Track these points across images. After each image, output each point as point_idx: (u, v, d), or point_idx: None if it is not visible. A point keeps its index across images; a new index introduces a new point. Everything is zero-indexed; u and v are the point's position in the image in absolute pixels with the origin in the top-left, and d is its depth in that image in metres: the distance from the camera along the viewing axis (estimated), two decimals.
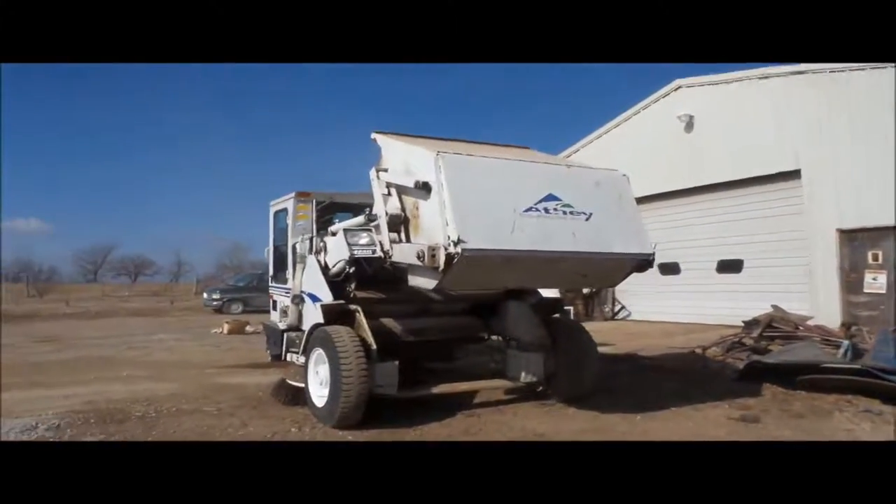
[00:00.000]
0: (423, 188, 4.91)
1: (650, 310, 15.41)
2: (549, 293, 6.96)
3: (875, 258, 10.81)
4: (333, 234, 6.34)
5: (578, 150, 17.07)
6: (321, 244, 6.53)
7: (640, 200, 5.93)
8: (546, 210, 5.02)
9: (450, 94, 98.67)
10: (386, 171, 5.55)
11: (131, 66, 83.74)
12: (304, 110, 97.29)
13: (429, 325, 6.50)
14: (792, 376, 6.69)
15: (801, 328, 8.98)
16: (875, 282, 10.75)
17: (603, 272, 5.75)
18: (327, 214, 7.43)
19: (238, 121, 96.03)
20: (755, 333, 9.00)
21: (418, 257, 4.81)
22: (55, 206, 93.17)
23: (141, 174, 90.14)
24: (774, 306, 10.03)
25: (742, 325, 9.64)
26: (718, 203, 13.77)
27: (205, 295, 25.91)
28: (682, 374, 7.88)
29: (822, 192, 11.59)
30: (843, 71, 11.15)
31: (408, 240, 5.25)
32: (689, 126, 14.10)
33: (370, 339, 5.54)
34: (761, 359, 7.62)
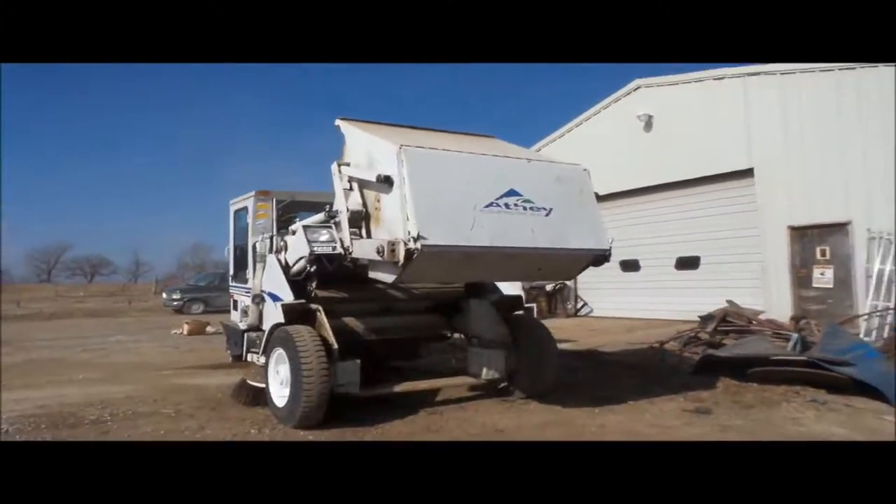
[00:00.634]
0: (385, 181, 4.90)
1: (612, 306, 15.69)
2: (510, 291, 7.04)
3: (823, 254, 11.23)
4: (294, 232, 6.29)
5: (541, 150, 17.25)
6: (282, 243, 6.46)
7: (602, 198, 6.02)
8: (507, 206, 5.07)
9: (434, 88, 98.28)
10: (348, 165, 5.54)
11: (85, 64, 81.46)
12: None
13: (391, 323, 6.50)
14: (744, 369, 6.93)
15: (753, 322, 9.28)
16: (823, 277, 11.17)
17: (559, 266, 5.86)
18: (288, 213, 7.37)
19: (201, 116, 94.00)
20: (710, 328, 9.27)
21: (378, 252, 4.81)
22: (5, 202, 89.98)
23: (99, 170, 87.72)
24: (729, 301, 10.35)
25: (698, 319, 9.92)
26: (677, 201, 14.10)
27: (164, 295, 25.37)
28: (641, 368, 8.07)
29: (775, 190, 11.98)
30: (793, 73, 11.55)
31: (368, 235, 5.25)
32: (649, 125, 14.39)
33: (331, 339, 5.52)
34: (715, 352, 7.86)
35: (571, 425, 5.41)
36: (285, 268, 6.23)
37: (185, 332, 15.02)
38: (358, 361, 5.60)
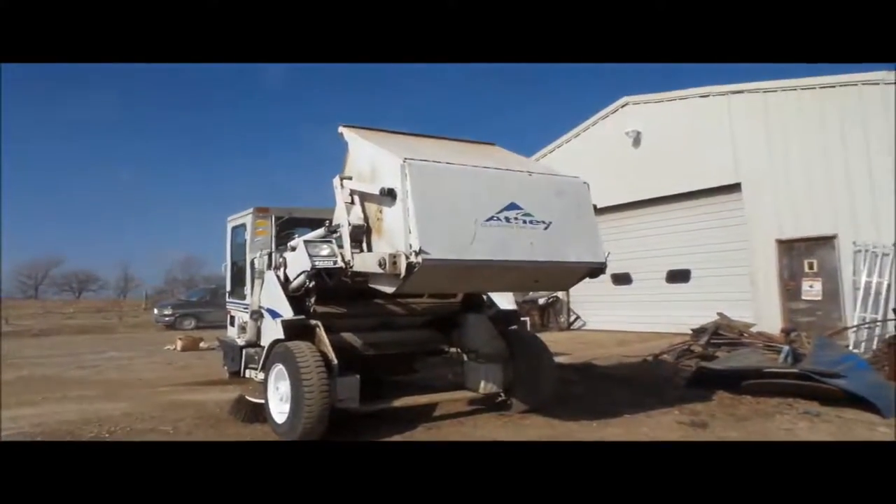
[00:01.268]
0: (389, 195, 4.94)
1: (604, 319, 15.81)
2: (505, 305, 7.11)
3: (811, 267, 11.42)
4: (293, 248, 6.33)
5: (539, 160, 17.41)
6: (280, 259, 6.51)
7: (594, 212, 6.13)
8: (507, 219, 5.14)
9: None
10: (350, 179, 5.60)
11: (73, 69, 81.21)
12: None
13: (389, 338, 6.55)
14: (737, 381, 7.03)
15: (745, 335, 9.42)
16: (812, 289, 11.36)
17: (556, 278, 5.99)
18: (286, 230, 7.42)
19: (193, 128, 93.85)
20: (703, 341, 9.40)
21: (380, 265, 4.86)
22: None
23: (88, 184, 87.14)
24: (720, 314, 10.49)
25: (691, 332, 10.04)
26: (666, 215, 14.29)
27: (155, 310, 25.21)
28: (635, 381, 8.16)
29: (762, 204, 12.19)
30: (775, 91, 11.85)
31: (369, 248, 5.31)
32: (637, 141, 14.61)
33: (331, 354, 5.56)
34: (708, 365, 7.97)
35: (570, 439, 5.47)
36: (284, 284, 6.28)
37: (178, 348, 14.92)
38: (357, 377, 5.64)
